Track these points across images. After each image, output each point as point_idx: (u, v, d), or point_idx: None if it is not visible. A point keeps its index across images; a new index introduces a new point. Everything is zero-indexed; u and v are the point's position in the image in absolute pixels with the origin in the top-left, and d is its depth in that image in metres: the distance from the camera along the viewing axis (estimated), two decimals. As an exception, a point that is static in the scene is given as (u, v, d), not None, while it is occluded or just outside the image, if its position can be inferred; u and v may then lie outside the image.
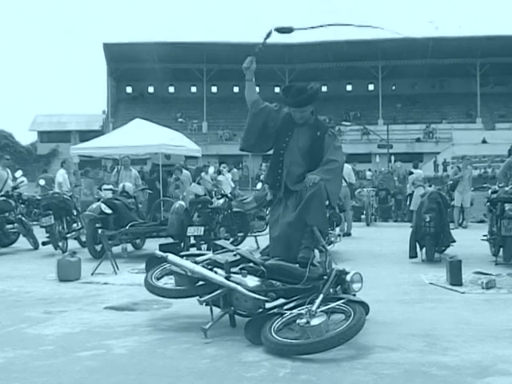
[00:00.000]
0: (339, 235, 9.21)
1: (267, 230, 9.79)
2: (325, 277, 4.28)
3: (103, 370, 3.48)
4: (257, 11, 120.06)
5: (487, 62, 45.98)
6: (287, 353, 3.70)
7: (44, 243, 9.73)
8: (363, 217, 17.52)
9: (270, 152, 5.22)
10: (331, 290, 4.20)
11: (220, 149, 43.74)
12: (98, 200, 9.61)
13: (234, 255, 4.71)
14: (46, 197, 10.33)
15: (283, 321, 4.02)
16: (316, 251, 4.87)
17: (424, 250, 8.35)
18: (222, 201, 9.59)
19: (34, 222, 11.84)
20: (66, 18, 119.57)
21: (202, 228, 8.69)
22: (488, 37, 43.71)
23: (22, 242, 10.48)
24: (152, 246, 9.15)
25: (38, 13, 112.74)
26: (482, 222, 14.75)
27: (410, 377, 3.34)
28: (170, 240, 8.83)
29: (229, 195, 10.36)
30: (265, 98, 5.27)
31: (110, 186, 11.30)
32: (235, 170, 30.37)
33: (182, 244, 8.76)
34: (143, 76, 48.33)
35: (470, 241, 10.00)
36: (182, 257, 4.86)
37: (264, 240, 9.01)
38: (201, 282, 4.60)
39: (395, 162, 36.95)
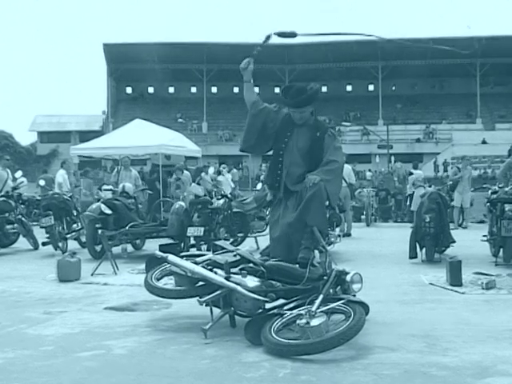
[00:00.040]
0: (339, 236, 9.21)
1: (267, 230, 9.81)
2: (325, 277, 4.28)
3: (103, 371, 3.48)
4: (257, 11, 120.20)
5: (487, 62, 45.98)
6: (287, 353, 3.70)
7: (44, 244, 9.73)
8: (363, 217, 17.51)
9: (270, 153, 5.22)
10: (331, 291, 4.20)
11: (220, 149, 43.76)
12: (98, 200, 9.61)
13: (234, 256, 4.71)
14: (45, 197, 10.34)
15: (283, 321, 4.02)
16: (316, 252, 4.87)
17: (424, 250, 8.36)
18: (221, 201, 9.59)
19: (34, 223, 11.84)
20: (66, 18, 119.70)
21: (202, 228, 8.69)
22: (488, 37, 43.73)
23: (22, 242, 10.48)
24: (152, 246, 9.15)
25: (38, 13, 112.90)
26: (481, 222, 14.75)
27: (409, 377, 3.34)
28: (170, 240, 8.82)
29: (229, 196, 10.36)
30: (265, 98, 5.28)
31: (110, 187, 11.30)
32: (235, 170, 30.36)
33: (182, 244, 8.77)
34: (143, 76, 48.35)
35: (469, 241, 10.00)
36: (181, 257, 4.86)
37: (264, 240, 9.01)
38: (201, 283, 4.60)
39: (395, 162, 36.96)
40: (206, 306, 4.39)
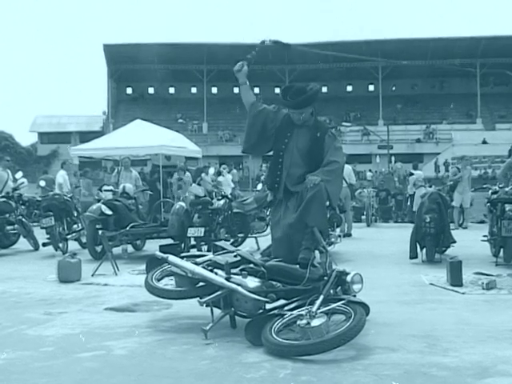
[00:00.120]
0: (339, 236, 9.19)
1: (267, 230, 9.86)
2: (325, 278, 4.28)
3: (103, 371, 3.49)
4: (257, 11, 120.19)
5: (487, 62, 45.98)
6: (288, 354, 3.70)
7: (44, 244, 9.73)
8: (363, 217, 17.49)
9: (270, 153, 5.22)
10: (331, 291, 4.20)
11: (220, 150, 43.77)
12: (99, 201, 9.61)
13: (235, 256, 4.71)
14: (46, 198, 10.34)
15: (284, 322, 4.02)
16: (316, 252, 4.87)
17: (424, 250, 8.35)
18: (222, 202, 9.59)
19: (35, 223, 11.82)
20: (66, 19, 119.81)
21: (203, 229, 8.69)
22: (488, 37, 43.74)
23: (23, 243, 10.48)
24: (152, 247, 9.14)
25: (38, 13, 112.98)
26: (482, 222, 14.73)
27: (410, 377, 3.34)
28: (171, 241, 8.82)
29: (229, 196, 10.36)
30: (265, 98, 5.29)
31: (111, 187, 11.29)
32: (235, 170, 30.35)
33: (183, 245, 8.76)
34: (143, 77, 48.38)
35: (470, 241, 9.99)
36: (182, 258, 4.86)
37: (264, 241, 9.02)
38: (201, 283, 4.60)
39: (395, 162, 36.94)
40: (206, 306, 4.39)
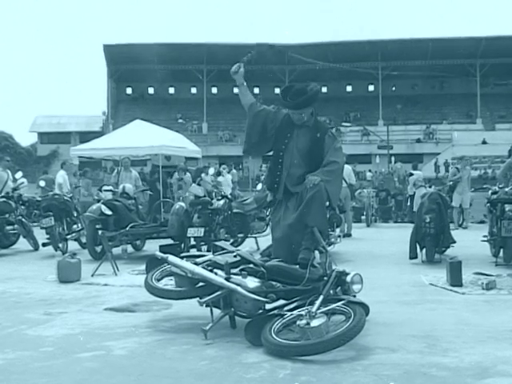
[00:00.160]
0: (339, 236, 9.19)
1: (267, 231, 9.87)
2: (325, 278, 4.28)
3: (103, 371, 3.49)
4: (257, 11, 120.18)
5: (487, 62, 45.99)
6: (287, 354, 3.70)
7: (44, 244, 9.72)
8: (363, 218, 17.49)
9: (271, 153, 5.21)
10: (331, 291, 4.20)
11: (220, 150, 43.75)
12: (98, 201, 9.61)
13: (234, 256, 4.71)
14: (46, 198, 10.33)
15: (283, 322, 4.02)
16: (316, 252, 4.87)
17: (424, 250, 8.35)
18: (222, 202, 9.59)
19: (34, 224, 11.83)
20: (66, 19, 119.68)
21: (202, 229, 8.69)
22: (488, 37, 43.75)
23: (23, 243, 10.48)
24: (152, 247, 9.15)
25: (38, 13, 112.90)
26: (482, 222, 14.73)
27: (410, 378, 3.34)
28: (170, 241, 8.83)
29: (229, 196, 10.36)
30: (265, 98, 5.30)
31: (110, 188, 11.29)
32: (234, 170, 30.36)
33: (182, 245, 8.76)
34: (143, 77, 48.34)
35: (470, 242, 9.99)
36: (182, 258, 4.87)
37: (264, 241, 9.01)
38: (201, 284, 4.60)
39: (395, 162, 36.91)
40: (206, 306, 4.40)
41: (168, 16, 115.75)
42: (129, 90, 53.16)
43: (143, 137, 13.54)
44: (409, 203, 17.33)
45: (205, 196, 9.66)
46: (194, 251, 8.07)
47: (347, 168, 11.64)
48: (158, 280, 4.91)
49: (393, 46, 43.99)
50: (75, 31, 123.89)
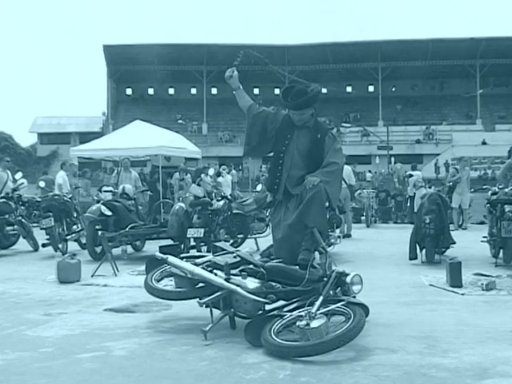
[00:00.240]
0: (339, 237, 9.19)
1: (267, 231, 9.86)
2: (325, 279, 4.28)
3: (103, 372, 3.49)
4: (257, 11, 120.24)
5: (487, 63, 46.00)
6: (287, 355, 3.70)
7: (44, 245, 9.72)
8: (363, 218, 17.49)
9: (271, 154, 5.21)
10: (331, 292, 4.20)
11: (220, 150, 43.75)
12: (98, 202, 9.61)
13: (234, 257, 4.71)
14: (46, 199, 10.34)
15: (283, 323, 4.02)
16: (316, 253, 4.87)
17: (424, 251, 8.35)
18: (221, 202, 9.59)
19: (34, 224, 11.83)
20: (66, 19, 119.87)
21: (202, 230, 8.69)
22: (488, 38, 43.77)
23: (22, 243, 10.48)
24: (152, 247, 9.15)
25: (38, 13, 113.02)
26: (481, 223, 14.74)
27: (409, 379, 3.34)
28: (170, 242, 8.82)
29: (229, 197, 10.36)
30: (265, 99, 5.31)
31: (110, 188, 11.29)
32: (234, 171, 30.37)
33: (182, 246, 8.75)
34: (143, 77, 48.39)
35: (469, 242, 10.00)
36: (181, 259, 4.87)
37: (264, 242, 9.01)
38: (201, 284, 4.60)
39: (395, 163, 36.87)
40: (206, 307, 4.39)
41: (168, 16, 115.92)
42: (129, 91, 53.19)
43: (143, 137, 13.54)
44: (409, 204, 17.33)
45: (205, 197, 9.66)
46: (193, 252, 8.08)
47: (347, 169, 11.64)
48: (158, 281, 4.91)
49: (393, 47, 44.02)
50: (75, 31, 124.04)
